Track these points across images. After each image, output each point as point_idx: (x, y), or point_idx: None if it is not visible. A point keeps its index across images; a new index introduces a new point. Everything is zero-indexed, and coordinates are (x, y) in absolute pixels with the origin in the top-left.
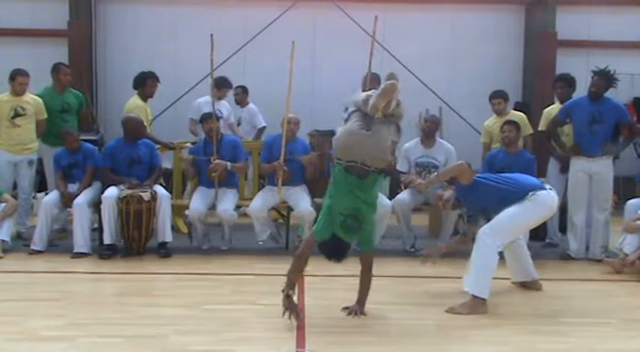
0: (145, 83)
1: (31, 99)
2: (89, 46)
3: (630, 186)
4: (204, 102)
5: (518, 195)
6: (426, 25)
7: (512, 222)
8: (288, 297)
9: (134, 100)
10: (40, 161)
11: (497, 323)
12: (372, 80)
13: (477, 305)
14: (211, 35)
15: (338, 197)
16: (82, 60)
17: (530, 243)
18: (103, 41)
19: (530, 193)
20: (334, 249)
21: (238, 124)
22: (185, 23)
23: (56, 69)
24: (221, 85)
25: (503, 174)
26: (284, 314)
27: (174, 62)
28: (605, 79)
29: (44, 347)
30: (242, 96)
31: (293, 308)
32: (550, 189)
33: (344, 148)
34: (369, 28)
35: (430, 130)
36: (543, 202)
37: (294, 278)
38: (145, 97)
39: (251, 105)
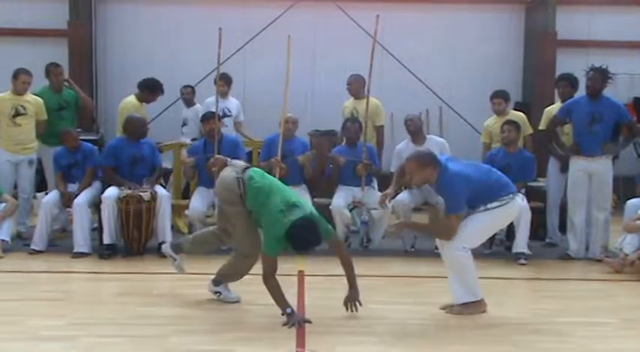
0: (155, 92)
1: (33, 99)
2: (89, 46)
3: (630, 186)
4: (212, 102)
5: (495, 192)
6: (425, 24)
7: (479, 232)
8: (289, 315)
9: (131, 99)
10: (39, 161)
11: (497, 323)
12: (356, 81)
13: (475, 306)
14: (220, 29)
15: (273, 202)
16: (82, 60)
17: (530, 243)
18: (103, 41)
19: (506, 197)
20: (304, 237)
21: (183, 125)
22: (185, 23)
23: (47, 70)
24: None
25: (484, 167)
26: (290, 327)
27: (175, 62)
28: (600, 74)
29: (44, 347)
30: (191, 96)
31: (299, 322)
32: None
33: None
34: (369, 28)
35: (415, 129)
36: (512, 210)
37: (281, 296)
38: (142, 100)
39: (198, 106)
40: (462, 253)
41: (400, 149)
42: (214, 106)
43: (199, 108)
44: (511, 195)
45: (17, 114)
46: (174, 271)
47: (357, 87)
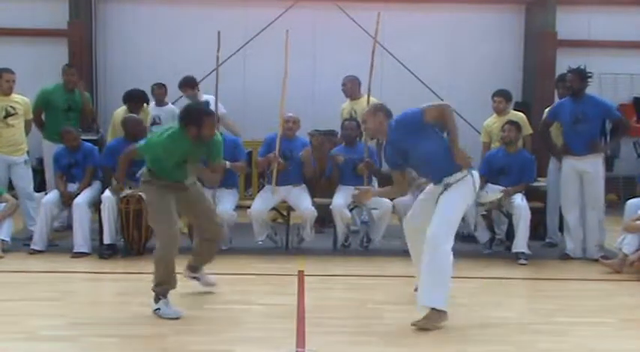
0: (129, 103)
1: (20, 98)
2: (89, 46)
3: (630, 186)
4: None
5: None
6: (426, 24)
7: (456, 213)
8: None
9: (121, 110)
10: (40, 160)
11: (497, 323)
12: (350, 82)
13: (439, 317)
14: (218, 32)
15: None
16: (82, 60)
17: (530, 243)
18: (103, 41)
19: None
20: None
21: (154, 124)
22: (185, 23)
23: (63, 70)
24: (191, 84)
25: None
26: None
27: (174, 62)
28: (578, 75)
29: (44, 347)
30: (163, 96)
31: None
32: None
33: None
34: (370, 28)
35: None
36: (470, 187)
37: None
38: (130, 112)
39: (170, 106)
40: (450, 254)
41: None
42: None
43: (172, 108)
44: (465, 172)
45: (8, 114)
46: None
47: (352, 88)
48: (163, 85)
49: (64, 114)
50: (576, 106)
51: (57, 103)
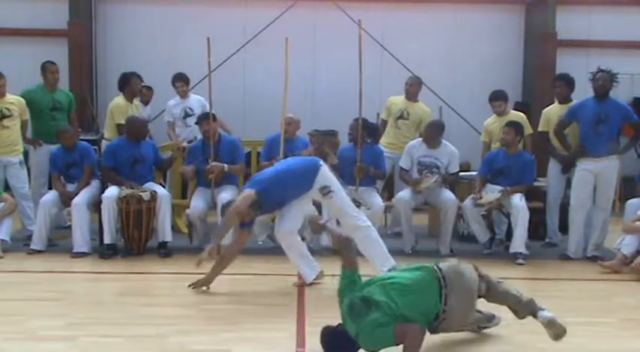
0: (125, 87)
1: (15, 99)
2: (89, 46)
3: (630, 186)
4: (172, 104)
5: None
6: (426, 25)
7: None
8: None
9: (118, 100)
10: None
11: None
12: (417, 83)
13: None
14: (208, 39)
15: None
16: (82, 60)
17: (530, 243)
18: (103, 41)
19: None
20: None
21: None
22: (185, 23)
23: (44, 67)
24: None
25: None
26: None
27: (174, 62)
28: (609, 75)
29: (44, 347)
30: (149, 97)
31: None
32: None
33: None
34: (370, 28)
35: (429, 137)
36: None
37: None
38: (130, 97)
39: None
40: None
41: (412, 145)
42: (175, 108)
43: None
44: None
45: (3, 116)
46: (174, 271)
47: (417, 89)
48: (151, 88)
49: (49, 114)
50: (599, 107)
51: (41, 104)
